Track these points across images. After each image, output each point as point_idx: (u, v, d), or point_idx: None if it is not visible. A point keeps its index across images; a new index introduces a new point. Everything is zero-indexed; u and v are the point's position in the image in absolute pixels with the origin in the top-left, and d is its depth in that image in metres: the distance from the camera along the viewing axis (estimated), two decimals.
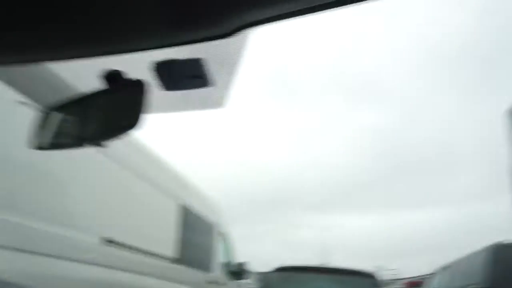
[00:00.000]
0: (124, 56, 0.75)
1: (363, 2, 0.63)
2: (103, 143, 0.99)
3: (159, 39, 0.70)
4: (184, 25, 0.67)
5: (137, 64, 0.81)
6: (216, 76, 0.87)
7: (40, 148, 1.03)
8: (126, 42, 0.71)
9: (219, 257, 6.93)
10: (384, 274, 24.52)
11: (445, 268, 8.98)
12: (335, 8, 0.64)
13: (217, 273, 6.68)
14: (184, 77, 0.87)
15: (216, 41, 0.70)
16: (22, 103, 2.67)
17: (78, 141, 1.01)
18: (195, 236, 6.00)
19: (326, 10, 0.64)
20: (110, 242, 3.73)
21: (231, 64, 0.83)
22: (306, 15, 0.64)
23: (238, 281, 7.97)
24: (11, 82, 2.65)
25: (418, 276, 17.52)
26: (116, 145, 3.96)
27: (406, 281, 16.33)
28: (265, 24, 0.67)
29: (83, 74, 0.89)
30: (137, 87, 0.83)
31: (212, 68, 0.85)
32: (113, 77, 0.85)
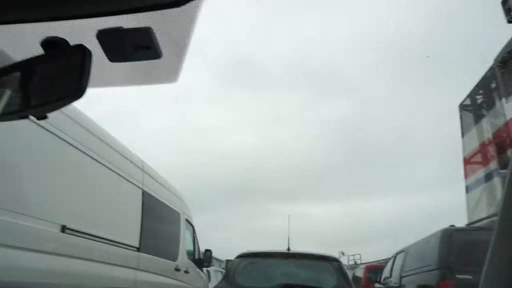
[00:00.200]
0: (68, 22, 0.71)
1: None
2: (44, 114, 0.93)
3: (104, 4, 0.67)
4: None
5: (81, 33, 0.76)
6: (165, 48, 0.82)
7: None
8: (69, 6, 0.67)
9: (184, 245, 6.91)
10: (347, 259, 25.32)
11: (402, 252, 9.46)
12: None
13: (182, 260, 6.66)
14: (131, 47, 0.79)
15: (165, 9, 0.67)
16: None
17: (16, 112, 0.94)
18: (159, 224, 5.94)
19: None
20: (70, 230, 3.62)
21: (182, 35, 0.79)
22: None
23: (203, 268, 8.01)
24: None
25: (379, 260, 18.18)
26: (74, 128, 3.82)
27: (367, 265, 16.91)
28: None
29: (21, 41, 0.83)
30: (78, 54, 0.76)
31: (161, 39, 0.80)
32: (52, 43, 0.77)
